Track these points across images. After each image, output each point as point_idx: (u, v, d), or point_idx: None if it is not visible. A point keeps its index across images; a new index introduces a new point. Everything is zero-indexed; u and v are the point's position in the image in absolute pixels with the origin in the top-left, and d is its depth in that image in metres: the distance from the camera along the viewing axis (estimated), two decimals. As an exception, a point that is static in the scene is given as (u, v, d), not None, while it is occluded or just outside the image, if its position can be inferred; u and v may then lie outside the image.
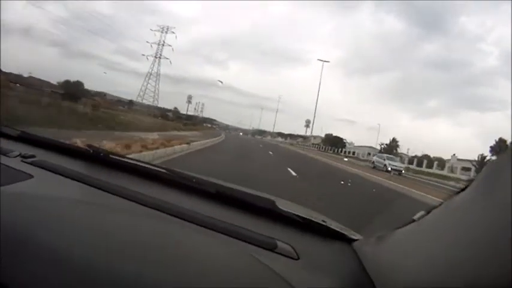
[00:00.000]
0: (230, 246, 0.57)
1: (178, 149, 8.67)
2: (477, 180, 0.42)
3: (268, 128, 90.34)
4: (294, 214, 0.73)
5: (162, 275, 0.40)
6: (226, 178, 1.06)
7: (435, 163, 39.38)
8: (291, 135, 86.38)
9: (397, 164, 21.39)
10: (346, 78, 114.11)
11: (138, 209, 0.66)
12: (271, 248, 0.60)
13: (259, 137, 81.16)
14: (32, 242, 0.41)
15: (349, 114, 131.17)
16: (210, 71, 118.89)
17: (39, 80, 36.04)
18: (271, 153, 17.48)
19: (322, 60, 44.18)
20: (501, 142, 33.81)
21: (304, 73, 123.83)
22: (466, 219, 0.38)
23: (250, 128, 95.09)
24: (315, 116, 41.43)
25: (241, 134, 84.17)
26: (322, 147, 58.34)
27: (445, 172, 33.82)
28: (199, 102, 74.73)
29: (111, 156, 0.94)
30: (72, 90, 33.65)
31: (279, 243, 0.61)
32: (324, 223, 0.73)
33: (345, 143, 62.45)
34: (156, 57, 57.04)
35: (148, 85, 57.70)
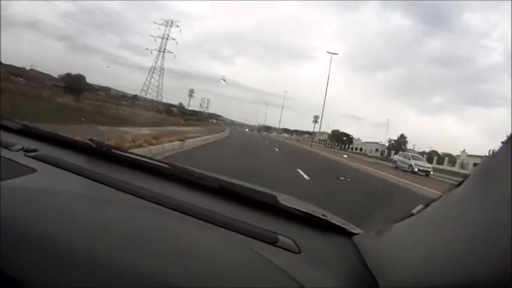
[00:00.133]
0: (232, 240, 0.57)
1: (168, 147, 7.24)
2: (475, 174, 0.42)
3: (274, 124, 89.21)
4: (295, 209, 0.73)
5: (163, 268, 0.40)
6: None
7: (446, 159, 37.37)
8: (296, 132, 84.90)
9: (424, 164, 18.26)
10: (352, 74, 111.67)
11: (140, 203, 0.66)
12: (273, 241, 0.60)
13: (265, 133, 79.86)
14: (36, 235, 0.41)
15: (355, 111, 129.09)
16: (215, 66, 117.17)
17: (40, 73, 35.04)
18: (277, 149, 16.02)
19: (331, 53, 41.37)
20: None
21: (310, 69, 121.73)
22: (464, 213, 0.38)
23: (256, 124, 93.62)
24: (323, 112, 39.27)
25: (247, 130, 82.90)
26: (329, 144, 56.56)
27: (456, 168, 31.93)
28: (204, 98, 72.99)
29: (113, 150, 0.94)
30: (74, 84, 32.55)
31: (280, 237, 0.61)
32: (324, 217, 0.73)
33: (351, 139, 60.56)
34: (160, 51, 55.35)
35: (152, 80, 56.16)
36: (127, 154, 0.95)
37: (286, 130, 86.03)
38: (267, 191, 0.83)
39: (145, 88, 55.92)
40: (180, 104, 63.29)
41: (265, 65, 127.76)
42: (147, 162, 0.91)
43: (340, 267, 0.58)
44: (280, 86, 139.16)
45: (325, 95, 39.51)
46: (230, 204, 0.75)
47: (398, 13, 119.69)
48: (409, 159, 18.76)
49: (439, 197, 0.48)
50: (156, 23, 55.10)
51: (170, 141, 8.03)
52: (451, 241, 0.37)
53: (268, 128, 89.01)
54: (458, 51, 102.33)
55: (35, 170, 0.71)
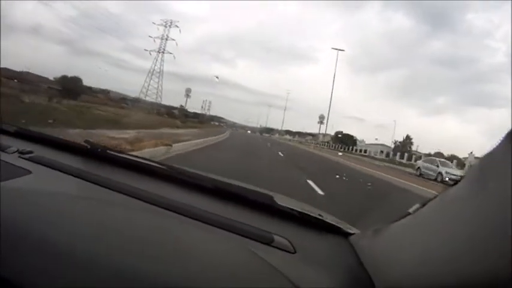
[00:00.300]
0: (227, 240, 0.57)
1: (148, 154, 5.62)
2: (471, 173, 0.41)
3: (276, 125, 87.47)
4: (291, 209, 0.72)
5: (161, 269, 0.40)
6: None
7: (454, 162, 35.28)
8: (299, 133, 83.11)
9: (455, 172, 14.51)
10: (353, 75, 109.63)
11: (136, 203, 0.66)
12: (268, 241, 0.59)
13: (267, 135, 78.50)
14: (31, 236, 0.41)
15: (357, 112, 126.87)
16: (218, 69, 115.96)
17: (37, 76, 33.64)
18: (281, 154, 14.19)
19: (336, 49, 39.12)
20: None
21: (311, 71, 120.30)
22: (461, 212, 0.38)
23: (258, 126, 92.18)
24: (329, 112, 36.98)
25: (249, 132, 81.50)
26: (332, 145, 54.68)
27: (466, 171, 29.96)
28: (206, 100, 71.70)
29: (108, 151, 0.92)
30: (70, 86, 31.14)
31: (276, 237, 0.61)
32: (320, 217, 0.73)
33: (355, 140, 58.68)
34: (159, 52, 53.60)
35: (152, 81, 54.41)
36: (122, 155, 0.93)
37: (288, 132, 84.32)
38: (263, 191, 0.82)
39: (144, 90, 54.09)
40: (182, 106, 61.97)
41: (267, 66, 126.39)
42: (143, 163, 0.90)
43: (336, 267, 0.57)
44: (282, 87, 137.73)
45: (332, 93, 37.61)
46: (226, 204, 0.74)
47: (401, 13, 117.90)
48: (438, 166, 15.31)
49: (436, 196, 0.46)
50: (155, 24, 53.43)
51: (153, 146, 6.52)
52: (448, 241, 0.36)
53: (270, 130, 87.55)
54: (461, 52, 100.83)
55: (29, 172, 0.71)
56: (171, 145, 7.54)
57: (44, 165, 0.78)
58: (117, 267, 0.38)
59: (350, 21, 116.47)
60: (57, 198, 0.56)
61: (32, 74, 34.06)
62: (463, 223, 0.36)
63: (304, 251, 0.60)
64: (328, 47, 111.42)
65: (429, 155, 44.06)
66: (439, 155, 44.73)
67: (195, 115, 61.65)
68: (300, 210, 0.73)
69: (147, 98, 53.74)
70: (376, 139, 56.57)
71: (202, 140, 11.77)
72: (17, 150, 0.82)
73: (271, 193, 0.80)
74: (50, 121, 8.04)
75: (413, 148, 50.66)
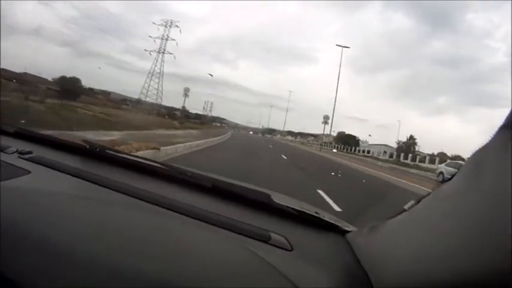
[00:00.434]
0: (224, 238, 0.57)
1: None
2: (465, 168, 0.40)
3: (278, 126, 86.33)
4: (289, 207, 0.72)
5: (158, 268, 0.40)
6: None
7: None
8: (301, 134, 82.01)
9: None
10: (354, 76, 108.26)
11: (134, 203, 0.65)
12: (265, 239, 0.59)
13: (268, 135, 77.37)
14: (31, 236, 0.40)
15: (358, 112, 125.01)
16: (219, 70, 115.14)
17: (35, 76, 32.61)
18: (284, 157, 12.83)
19: (341, 46, 36.79)
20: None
21: (312, 71, 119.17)
22: (456, 208, 0.37)
23: (260, 127, 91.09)
24: (334, 112, 34.84)
25: (251, 132, 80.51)
26: (335, 146, 53.28)
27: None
28: (208, 101, 70.81)
29: (107, 151, 0.92)
30: (69, 87, 30.09)
31: (273, 235, 0.60)
32: (317, 215, 0.73)
33: (358, 141, 57.26)
34: (159, 52, 52.25)
35: (152, 82, 53.04)
36: (121, 155, 0.93)
37: (290, 132, 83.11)
38: (261, 189, 0.82)
39: (144, 91, 52.74)
40: (183, 107, 60.89)
41: (268, 67, 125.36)
42: (141, 162, 0.89)
43: (333, 265, 0.56)
44: (284, 88, 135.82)
45: (336, 91, 35.05)
46: (224, 203, 0.74)
47: (401, 13, 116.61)
48: None
49: (430, 193, 0.46)
50: (155, 24, 52.13)
51: (136, 150, 5.35)
52: (444, 237, 0.36)
53: (272, 131, 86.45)
54: (462, 52, 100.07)
55: (29, 172, 0.70)
56: (158, 149, 6.36)
57: (43, 165, 0.77)
58: (117, 266, 0.38)
59: (350, 21, 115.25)
60: (57, 198, 0.56)
61: (30, 74, 33.11)
62: (458, 219, 0.35)
63: (301, 248, 0.59)
64: (329, 47, 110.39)
65: (432, 155, 42.62)
66: (442, 155, 43.32)
67: (197, 116, 60.72)
68: (297, 208, 0.72)
69: (148, 99, 52.46)
70: (383, 145, 55.11)
71: (199, 141, 10.56)
72: (17, 151, 0.82)
73: (269, 192, 0.79)
74: (22, 121, 6.87)
75: (416, 148, 49.18)
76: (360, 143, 57.01)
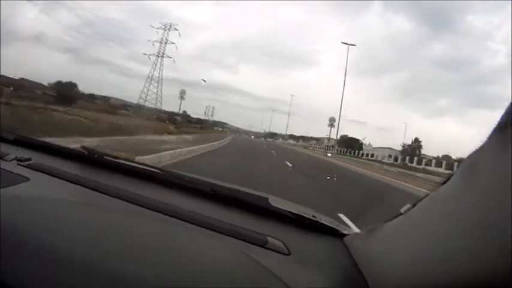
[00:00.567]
0: (221, 243, 0.56)
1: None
2: (461, 170, 0.40)
3: (279, 130, 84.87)
4: (286, 210, 0.72)
5: (156, 273, 0.40)
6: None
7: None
8: (303, 137, 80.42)
9: None
10: (356, 79, 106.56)
11: (133, 209, 0.65)
12: (262, 244, 0.59)
13: (270, 139, 75.94)
14: (31, 243, 0.40)
15: (360, 115, 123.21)
16: (220, 74, 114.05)
17: (30, 81, 31.47)
18: (289, 164, 11.14)
19: (347, 44, 34.88)
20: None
21: (314, 75, 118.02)
22: (453, 210, 0.37)
23: (261, 131, 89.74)
24: (340, 114, 32.74)
25: (252, 137, 79.18)
26: (338, 150, 51.63)
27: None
28: (209, 106, 69.49)
29: (105, 157, 0.91)
30: (65, 92, 28.93)
31: (270, 239, 0.60)
32: (314, 218, 0.72)
33: (361, 144, 55.62)
34: (158, 56, 50.85)
35: (152, 87, 51.53)
36: (119, 160, 0.92)
37: (292, 136, 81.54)
38: (260, 193, 0.82)
39: (143, 95, 51.32)
40: (184, 111, 59.65)
41: (269, 72, 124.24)
42: (139, 168, 0.88)
43: (330, 269, 0.56)
44: (285, 92, 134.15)
45: (343, 92, 33.41)
46: (222, 208, 0.73)
47: (401, 15, 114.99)
48: None
49: (426, 196, 0.45)
50: (154, 27, 50.82)
51: None
52: (442, 239, 0.35)
53: (273, 135, 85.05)
54: (462, 54, 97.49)
55: (28, 179, 0.70)
56: (133, 159, 4.92)
57: (42, 172, 0.76)
58: (117, 273, 0.38)
59: (351, 24, 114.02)
60: (56, 205, 0.56)
61: (27, 80, 32.02)
62: (456, 221, 0.34)
63: (298, 252, 0.59)
64: (330, 51, 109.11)
65: (438, 158, 40.88)
66: (447, 158, 41.58)
67: (199, 121, 59.60)
68: (294, 211, 0.72)
69: (147, 104, 51.06)
70: (387, 148, 53.40)
71: (191, 148, 9.09)
72: (15, 158, 0.81)
73: (266, 195, 0.79)
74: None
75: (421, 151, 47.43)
76: (364, 146, 55.40)
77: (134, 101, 51.50)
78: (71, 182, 0.73)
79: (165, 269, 0.41)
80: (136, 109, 46.69)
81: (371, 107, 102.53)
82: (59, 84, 30.47)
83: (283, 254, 0.57)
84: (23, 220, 0.44)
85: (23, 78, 31.48)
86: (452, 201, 0.38)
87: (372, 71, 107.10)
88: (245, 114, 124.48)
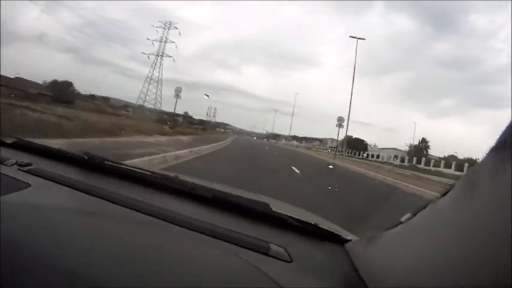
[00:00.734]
0: (224, 250, 0.56)
1: None
2: (461, 183, 0.40)
3: (282, 131, 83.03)
4: (288, 216, 0.71)
5: (159, 280, 0.40)
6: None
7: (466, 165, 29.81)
8: (306, 139, 78.65)
9: None
10: (359, 79, 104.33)
11: (135, 216, 0.64)
12: (265, 251, 0.58)
13: (273, 140, 74.43)
14: (32, 252, 0.40)
15: (363, 116, 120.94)
16: (223, 75, 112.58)
17: (26, 80, 30.20)
18: (296, 170, 9.32)
19: (356, 38, 32.18)
20: None
21: (317, 76, 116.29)
22: (452, 220, 0.37)
23: (264, 132, 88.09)
24: (349, 114, 30.31)
25: (255, 138, 77.67)
26: (341, 151, 49.85)
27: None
28: (211, 107, 68.00)
29: (106, 162, 0.90)
30: (61, 92, 27.66)
31: (273, 246, 0.59)
32: (317, 224, 0.72)
33: (366, 145, 53.85)
34: (158, 55, 49.06)
35: (152, 87, 49.76)
36: (120, 165, 0.90)
37: (295, 137, 79.78)
38: (261, 198, 0.79)
39: (142, 96, 49.59)
40: (186, 113, 58.25)
41: (272, 72, 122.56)
42: (141, 173, 0.86)
43: (332, 276, 0.56)
44: (288, 93, 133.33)
45: (352, 89, 30.63)
46: (224, 213, 0.73)
47: (403, 15, 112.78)
48: None
49: (426, 206, 0.45)
50: (153, 26, 48.94)
51: None
52: (441, 249, 0.35)
53: (276, 136, 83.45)
54: (465, 53, 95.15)
55: (29, 185, 0.69)
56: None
57: (43, 178, 0.75)
58: (120, 281, 0.37)
59: (353, 25, 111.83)
60: (58, 213, 0.55)
61: (23, 79, 30.79)
62: (457, 230, 0.34)
63: (300, 260, 0.58)
64: (331, 52, 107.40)
65: (446, 158, 39.06)
66: (453, 158, 39.74)
67: (201, 122, 58.12)
68: (296, 217, 0.71)
69: (146, 104, 49.46)
70: (392, 148, 51.50)
71: (182, 152, 7.58)
72: (16, 163, 0.80)
73: (267, 200, 0.77)
74: None
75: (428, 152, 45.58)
76: (369, 147, 53.63)
77: (135, 101, 49.98)
78: (72, 188, 0.72)
79: (166, 277, 0.40)
80: (136, 110, 45.25)
81: (374, 108, 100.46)
82: (54, 84, 29.13)
83: (286, 261, 0.56)
84: (25, 229, 0.43)
85: (18, 77, 30.23)
86: (453, 211, 0.38)
87: (374, 71, 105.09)
88: (248, 115, 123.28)
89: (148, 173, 0.87)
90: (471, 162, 31.63)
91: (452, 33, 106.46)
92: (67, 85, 29.57)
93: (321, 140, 71.82)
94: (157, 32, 48.39)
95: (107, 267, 0.39)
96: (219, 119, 72.01)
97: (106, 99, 43.51)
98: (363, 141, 53.81)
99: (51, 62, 62.77)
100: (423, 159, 38.23)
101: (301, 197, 4.87)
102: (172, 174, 0.92)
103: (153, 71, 48.95)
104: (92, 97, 38.40)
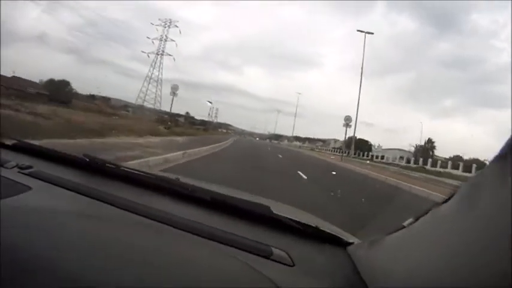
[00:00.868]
0: (226, 254, 0.55)
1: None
2: (463, 190, 0.40)
3: (284, 132, 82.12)
4: (289, 219, 0.70)
5: (157, 284, 0.40)
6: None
7: (474, 166, 28.41)
8: (309, 139, 77.50)
9: None
10: (362, 79, 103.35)
11: (135, 218, 0.64)
12: (267, 255, 0.58)
13: (275, 141, 73.32)
14: (33, 255, 0.39)
15: (367, 117, 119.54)
16: (225, 76, 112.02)
17: (23, 79, 29.40)
18: (303, 176, 8.28)
19: (363, 31, 30.33)
20: None
21: (319, 76, 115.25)
22: (454, 226, 0.38)
23: (266, 133, 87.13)
24: (357, 113, 28.84)
25: (257, 138, 76.72)
26: (346, 152, 48.65)
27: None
28: (213, 108, 67.09)
29: (107, 165, 0.89)
30: (58, 91, 26.80)
31: (274, 250, 0.59)
32: (319, 227, 0.71)
33: (370, 146, 52.59)
34: (158, 54, 47.82)
35: (151, 87, 48.55)
36: (121, 168, 0.90)
37: (297, 138, 78.58)
38: (262, 201, 0.79)
39: (142, 95, 48.37)
40: (187, 113, 57.30)
41: (274, 73, 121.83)
42: (142, 175, 0.86)
43: (333, 280, 0.55)
44: (290, 94, 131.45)
45: (360, 88, 29.49)
46: (225, 216, 0.72)
47: (405, 15, 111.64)
48: None
49: (428, 211, 0.45)
50: (153, 24, 47.69)
51: None
52: (442, 253, 0.36)
53: (278, 136, 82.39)
54: (467, 53, 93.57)
55: (30, 188, 0.68)
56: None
57: (44, 181, 0.74)
58: (121, 285, 0.37)
59: (355, 25, 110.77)
60: (59, 216, 0.54)
61: (20, 78, 30.00)
62: (458, 236, 0.35)
63: (302, 263, 0.58)
64: (333, 52, 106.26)
65: (453, 159, 37.80)
66: (459, 158, 38.47)
67: (202, 122, 57.27)
68: (297, 220, 0.70)
69: (145, 104, 48.35)
70: (397, 149, 50.25)
71: (174, 154, 6.58)
72: (17, 165, 0.79)
73: (268, 202, 0.77)
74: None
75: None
76: (373, 148, 52.39)
77: (133, 101, 48.94)
78: (73, 191, 0.71)
79: (165, 280, 0.40)
80: (135, 110, 44.28)
81: (377, 109, 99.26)
82: (51, 83, 28.26)
83: (287, 265, 0.56)
84: (26, 233, 0.43)
85: (15, 76, 29.43)
86: (454, 217, 0.38)
87: (376, 71, 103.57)
88: (250, 116, 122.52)
89: (149, 176, 0.86)
90: (478, 162, 30.38)
91: (454, 33, 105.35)
92: (64, 84, 28.66)
93: (324, 141, 70.62)
94: (157, 30, 47.36)
95: (106, 270, 0.39)
96: (220, 119, 71.28)
97: (106, 99, 42.65)
98: (367, 141, 52.53)
99: (52, 62, 62.21)
100: (429, 160, 36.94)
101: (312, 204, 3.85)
102: (173, 177, 0.91)
103: (152, 70, 47.88)
104: (92, 97, 37.59)
